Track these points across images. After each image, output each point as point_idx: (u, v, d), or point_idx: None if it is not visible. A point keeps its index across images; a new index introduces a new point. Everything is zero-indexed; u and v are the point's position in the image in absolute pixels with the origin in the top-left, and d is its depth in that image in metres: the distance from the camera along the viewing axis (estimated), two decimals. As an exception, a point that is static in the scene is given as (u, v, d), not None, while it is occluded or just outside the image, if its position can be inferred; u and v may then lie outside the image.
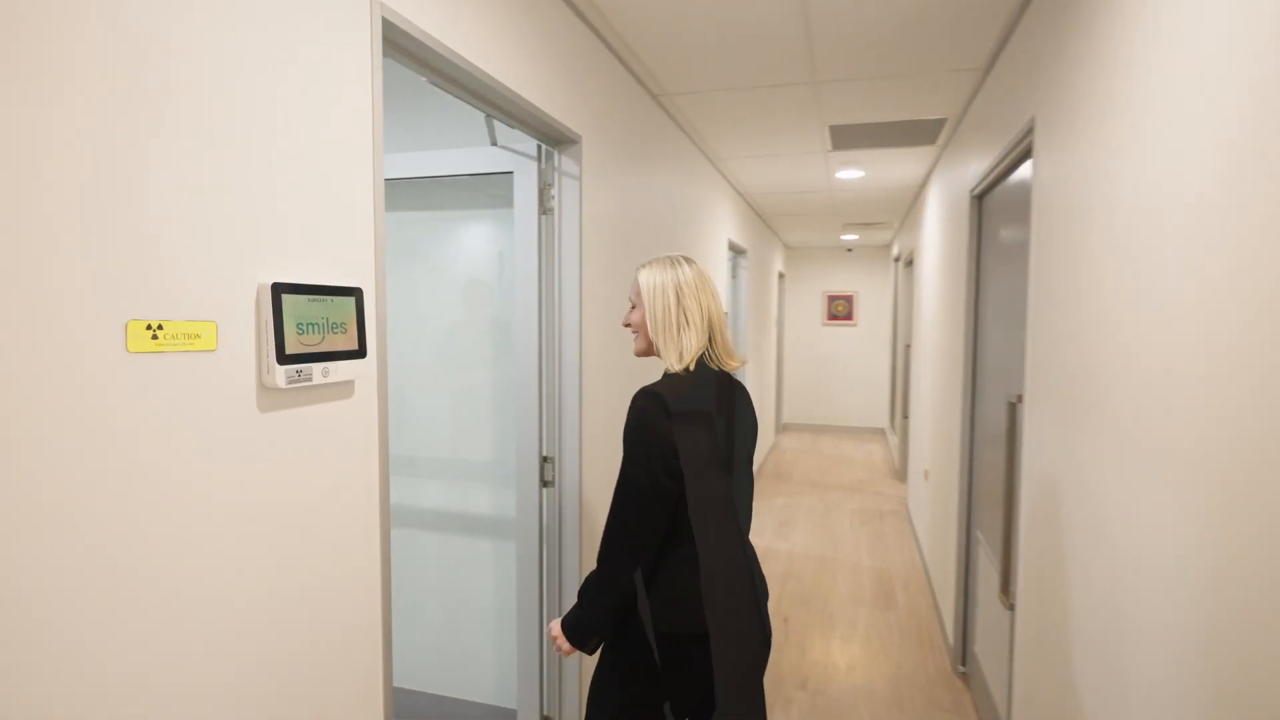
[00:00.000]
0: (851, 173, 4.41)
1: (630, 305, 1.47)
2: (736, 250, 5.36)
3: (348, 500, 1.18)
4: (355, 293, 1.16)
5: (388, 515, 1.27)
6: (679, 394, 1.30)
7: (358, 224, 1.19)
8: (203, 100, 0.90)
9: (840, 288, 9.07)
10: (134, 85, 0.81)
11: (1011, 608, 2.00)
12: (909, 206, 5.68)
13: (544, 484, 2.22)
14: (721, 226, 4.56)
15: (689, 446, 1.28)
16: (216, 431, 0.93)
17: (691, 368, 1.36)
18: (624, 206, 2.59)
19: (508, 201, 2.22)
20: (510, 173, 2.16)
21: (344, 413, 1.16)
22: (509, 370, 2.38)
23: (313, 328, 1.07)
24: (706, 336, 1.39)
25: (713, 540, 1.34)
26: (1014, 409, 2.00)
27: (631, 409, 1.31)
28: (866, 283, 8.99)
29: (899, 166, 4.24)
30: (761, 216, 6.37)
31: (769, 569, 4.18)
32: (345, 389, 1.16)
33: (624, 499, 1.29)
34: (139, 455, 0.83)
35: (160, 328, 0.85)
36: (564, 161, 2.16)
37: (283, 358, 1.01)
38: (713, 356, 1.40)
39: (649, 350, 1.44)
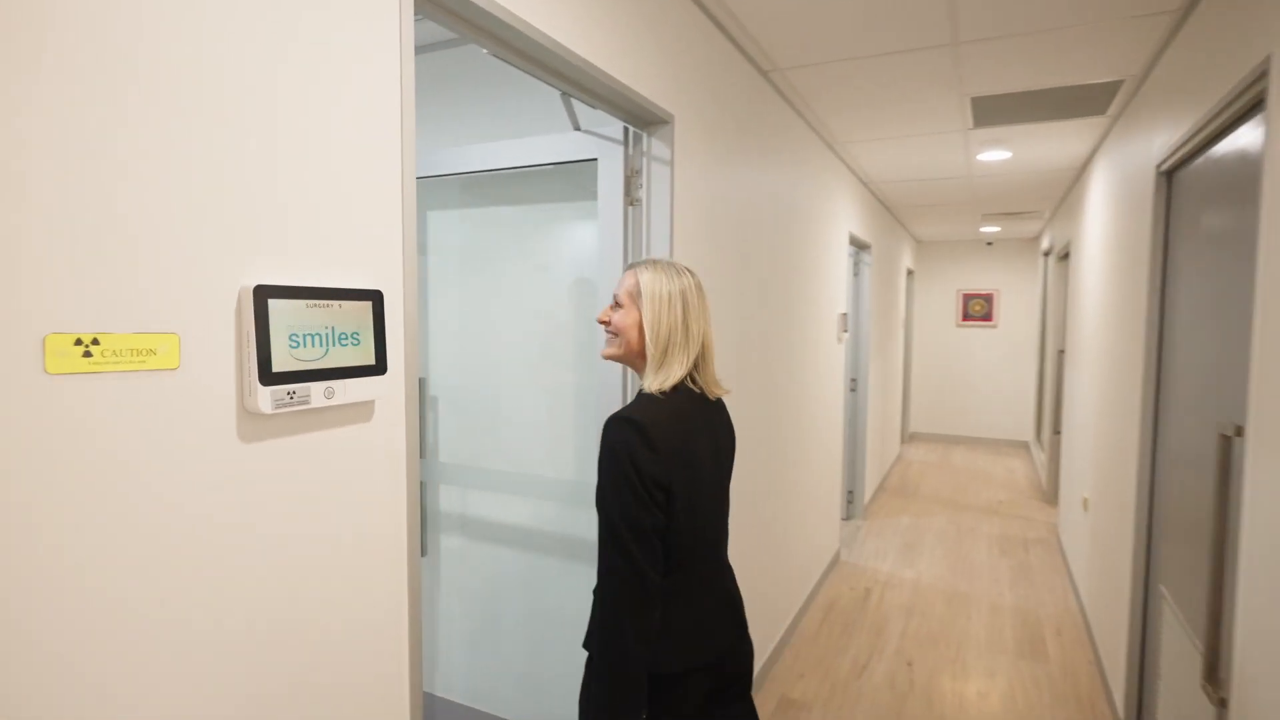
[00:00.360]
0: (996, 154, 3.85)
1: (614, 304, 1.31)
2: (859, 245, 4.90)
3: (365, 538, 0.99)
4: (373, 297, 0.97)
5: (417, 554, 1.08)
6: (658, 420, 1.19)
7: (379, 215, 0.99)
8: (180, 59, 0.73)
9: (978, 285, 8.23)
10: (87, 29, 0.65)
11: (1223, 703, 1.53)
12: (1065, 192, 4.96)
13: (628, 507, 1.98)
14: (841, 219, 4.15)
15: (673, 477, 1.18)
16: (183, 466, 0.76)
17: (667, 389, 1.24)
18: (723, 196, 2.31)
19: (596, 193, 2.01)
20: (595, 159, 1.94)
21: (358, 439, 0.98)
22: (594, 380, 2.17)
23: (312, 339, 0.88)
24: (695, 360, 1.29)
25: (704, 571, 1.29)
26: (1229, 443, 1.53)
27: (606, 438, 1.17)
28: (1009, 280, 8.10)
29: (1055, 144, 3.65)
30: (888, 208, 5.83)
31: (891, 599, 3.73)
32: (360, 412, 0.98)
33: (621, 537, 1.14)
34: (70, 496, 0.67)
35: (95, 342, 0.68)
36: (653, 145, 1.91)
37: (267, 377, 0.82)
38: (697, 381, 1.30)
39: (627, 358, 1.31)
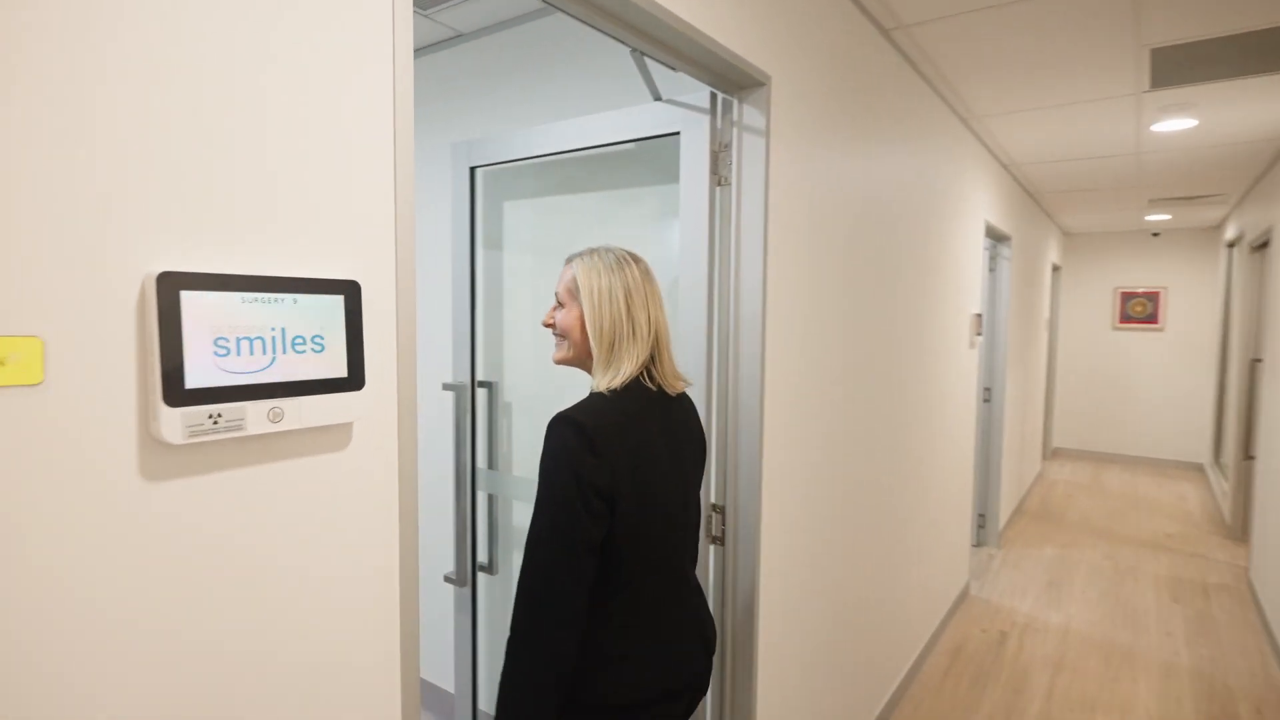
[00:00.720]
0: (1177, 122, 3.21)
1: (557, 303, 1.23)
2: (996, 237, 4.31)
3: (333, 607, 0.77)
4: (345, 289, 0.75)
5: (415, 624, 0.85)
6: (605, 420, 1.10)
7: (359, 181, 0.77)
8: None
9: (1140, 282, 7.19)
10: None
11: None
12: (1265, 168, 4.12)
13: (711, 540, 1.70)
14: (976, 206, 3.62)
15: (619, 485, 1.08)
16: (49, 517, 0.57)
17: (617, 387, 1.14)
18: (830, 176, 1.96)
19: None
20: (678, 134, 1.67)
21: (325, 474, 0.76)
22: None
23: (251, 345, 0.67)
24: (650, 353, 1.18)
25: (660, 589, 1.19)
26: None
27: (548, 439, 1.09)
28: (1179, 276, 7.01)
29: (1258, 107, 2.97)
30: (1031, 194, 5.14)
31: (1032, 647, 3.19)
32: (327, 438, 0.76)
33: (544, 553, 1.06)
34: None
35: (-100, 350, 0.49)
36: (745, 113, 1.61)
37: (177, 395, 0.62)
38: (653, 376, 1.19)
39: (576, 360, 1.22)
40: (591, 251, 1.20)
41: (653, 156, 1.89)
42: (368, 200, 0.78)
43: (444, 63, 2.36)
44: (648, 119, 1.71)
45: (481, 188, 2.20)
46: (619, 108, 1.86)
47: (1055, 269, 6.88)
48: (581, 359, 1.21)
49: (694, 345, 1.62)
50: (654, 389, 1.19)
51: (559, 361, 1.23)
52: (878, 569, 2.48)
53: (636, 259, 1.21)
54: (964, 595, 3.77)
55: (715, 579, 1.71)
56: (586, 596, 1.07)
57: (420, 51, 2.42)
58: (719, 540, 1.70)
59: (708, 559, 1.70)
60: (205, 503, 0.66)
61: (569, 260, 1.22)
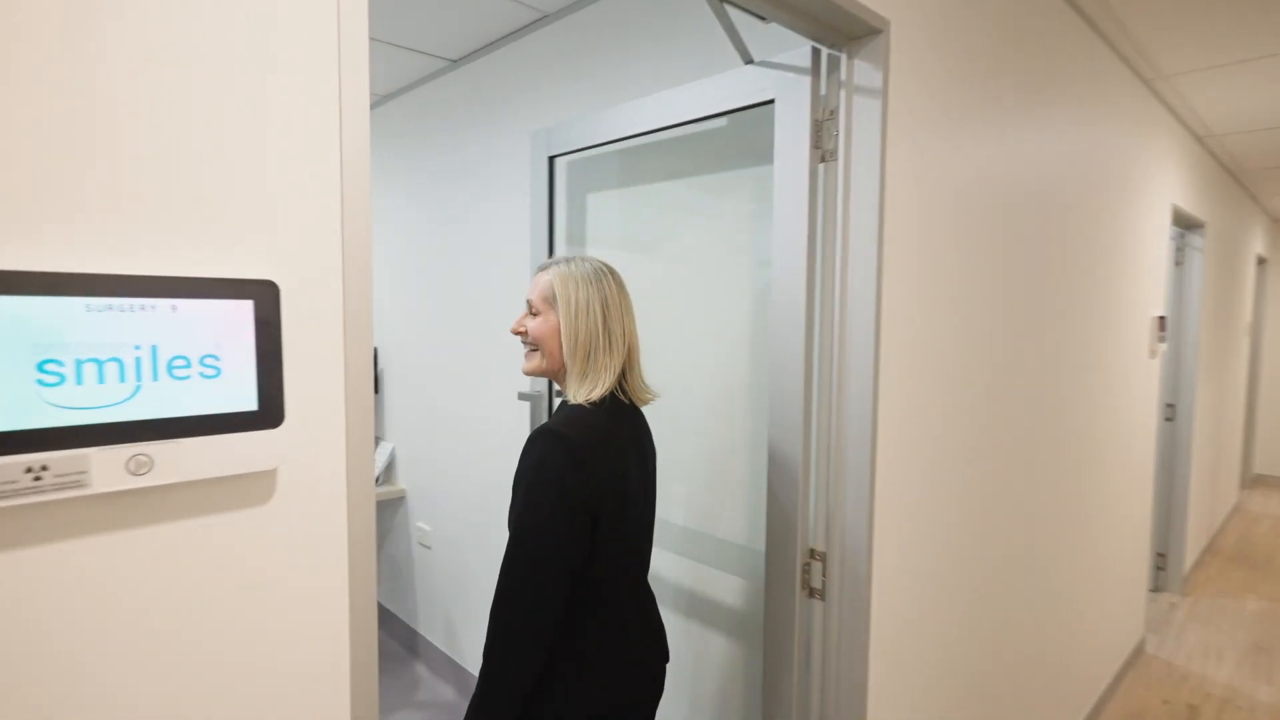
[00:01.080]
0: None
1: (530, 311, 1.21)
2: (1186, 224, 3.60)
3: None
4: (256, 292, 0.55)
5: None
6: (588, 433, 1.07)
7: (283, 146, 0.57)
8: None
9: (1377, 276, 5.88)
10: None
11: None
12: None
13: (809, 593, 1.40)
14: (1160, 187, 3.00)
15: (603, 502, 1.06)
16: None
17: (595, 399, 1.12)
18: (966, 148, 1.59)
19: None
20: (772, 102, 1.38)
21: (229, 541, 0.56)
22: (763, 418, 1.60)
23: (102, 369, 0.49)
24: (623, 366, 1.17)
25: (632, 601, 1.20)
26: None
27: (529, 453, 1.06)
28: None
29: None
30: (1231, 171, 4.29)
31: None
32: (235, 492, 0.56)
33: (520, 572, 1.05)
34: None
35: None
36: (857, 69, 1.30)
37: (-30, 443, 0.44)
38: (625, 389, 1.18)
39: (549, 370, 1.20)
40: (567, 260, 1.19)
41: (750, 132, 1.61)
42: (297, 172, 0.58)
43: (528, 47, 2.20)
44: (737, 87, 1.43)
45: (564, 179, 2.02)
46: (697, 78, 1.60)
47: (1261, 262, 5.78)
48: (554, 369, 1.19)
49: (788, 357, 1.33)
50: (626, 401, 1.18)
51: (529, 373, 1.21)
52: (1025, 621, 2.05)
53: (612, 270, 1.21)
54: (1138, 653, 3.15)
55: (818, 640, 1.40)
56: (559, 617, 1.06)
57: (502, 41, 2.28)
58: (818, 594, 1.39)
59: (808, 616, 1.40)
60: (19, 591, 0.48)
61: (544, 268, 1.21)
